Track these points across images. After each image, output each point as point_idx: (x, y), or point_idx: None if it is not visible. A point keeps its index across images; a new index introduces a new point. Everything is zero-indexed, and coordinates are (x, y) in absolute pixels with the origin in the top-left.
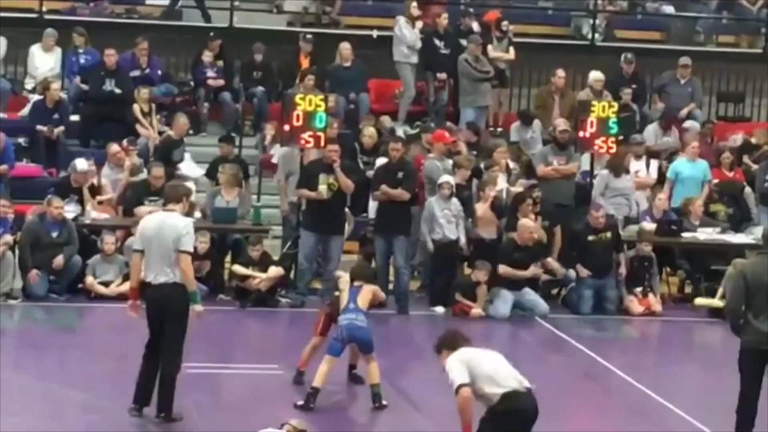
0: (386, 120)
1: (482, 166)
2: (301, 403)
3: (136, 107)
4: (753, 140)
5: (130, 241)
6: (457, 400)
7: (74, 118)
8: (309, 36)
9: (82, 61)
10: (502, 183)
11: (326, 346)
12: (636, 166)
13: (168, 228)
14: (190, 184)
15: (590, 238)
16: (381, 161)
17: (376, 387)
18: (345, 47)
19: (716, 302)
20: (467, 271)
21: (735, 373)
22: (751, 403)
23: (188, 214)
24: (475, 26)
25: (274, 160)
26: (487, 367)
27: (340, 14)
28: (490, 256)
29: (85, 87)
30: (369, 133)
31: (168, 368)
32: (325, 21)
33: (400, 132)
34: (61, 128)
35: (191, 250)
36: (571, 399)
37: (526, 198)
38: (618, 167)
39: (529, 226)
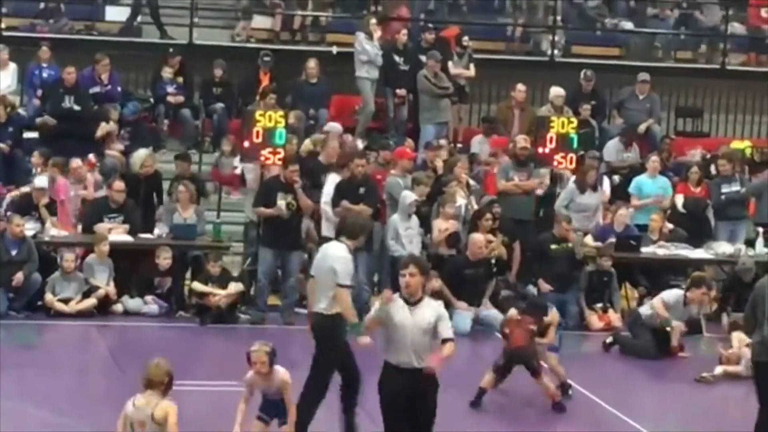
0: (349, 137)
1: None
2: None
3: (105, 126)
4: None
5: (90, 259)
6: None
7: (33, 134)
8: (267, 59)
9: (45, 75)
10: (461, 199)
11: None
12: None
13: (329, 259)
14: None
15: (553, 246)
16: (333, 177)
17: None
18: (311, 65)
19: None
20: None
21: (697, 388)
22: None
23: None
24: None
25: (238, 172)
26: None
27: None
28: (447, 271)
29: (37, 103)
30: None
31: (304, 391)
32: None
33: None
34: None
35: (347, 283)
36: (531, 414)
37: (485, 214)
38: (583, 183)
39: (479, 240)
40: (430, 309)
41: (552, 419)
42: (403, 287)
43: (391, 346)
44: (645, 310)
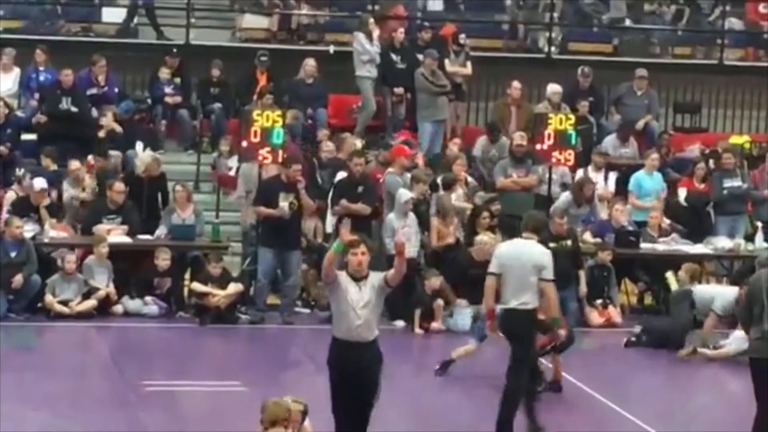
0: (349, 136)
1: (439, 180)
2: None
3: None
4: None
5: (89, 260)
6: None
7: (31, 136)
8: (264, 59)
9: (42, 78)
10: (457, 197)
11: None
12: (595, 177)
13: (527, 255)
14: None
15: (551, 245)
16: (341, 175)
17: None
18: (310, 64)
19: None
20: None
21: (695, 384)
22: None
23: None
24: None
25: (232, 173)
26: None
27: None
28: (443, 266)
29: (34, 104)
30: (327, 148)
31: (508, 387)
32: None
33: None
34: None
35: (552, 277)
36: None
37: (483, 211)
38: (580, 198)
39: (486, 242)
40: (374, 279)
41: (552, 414)
42: (354, 265)
43: (339, 321)
44: (703, 291)
